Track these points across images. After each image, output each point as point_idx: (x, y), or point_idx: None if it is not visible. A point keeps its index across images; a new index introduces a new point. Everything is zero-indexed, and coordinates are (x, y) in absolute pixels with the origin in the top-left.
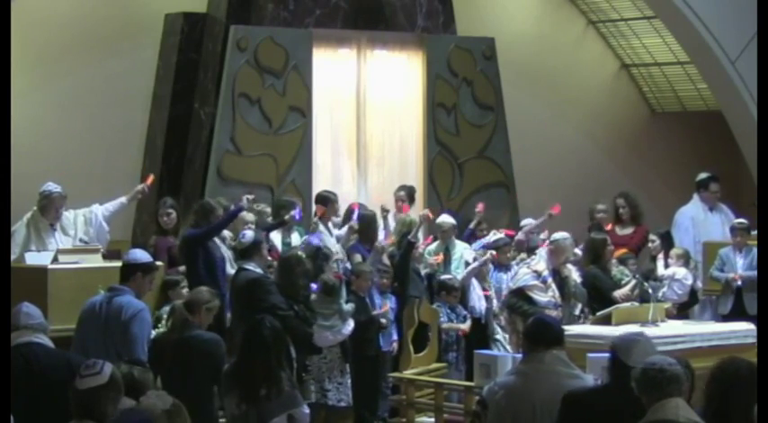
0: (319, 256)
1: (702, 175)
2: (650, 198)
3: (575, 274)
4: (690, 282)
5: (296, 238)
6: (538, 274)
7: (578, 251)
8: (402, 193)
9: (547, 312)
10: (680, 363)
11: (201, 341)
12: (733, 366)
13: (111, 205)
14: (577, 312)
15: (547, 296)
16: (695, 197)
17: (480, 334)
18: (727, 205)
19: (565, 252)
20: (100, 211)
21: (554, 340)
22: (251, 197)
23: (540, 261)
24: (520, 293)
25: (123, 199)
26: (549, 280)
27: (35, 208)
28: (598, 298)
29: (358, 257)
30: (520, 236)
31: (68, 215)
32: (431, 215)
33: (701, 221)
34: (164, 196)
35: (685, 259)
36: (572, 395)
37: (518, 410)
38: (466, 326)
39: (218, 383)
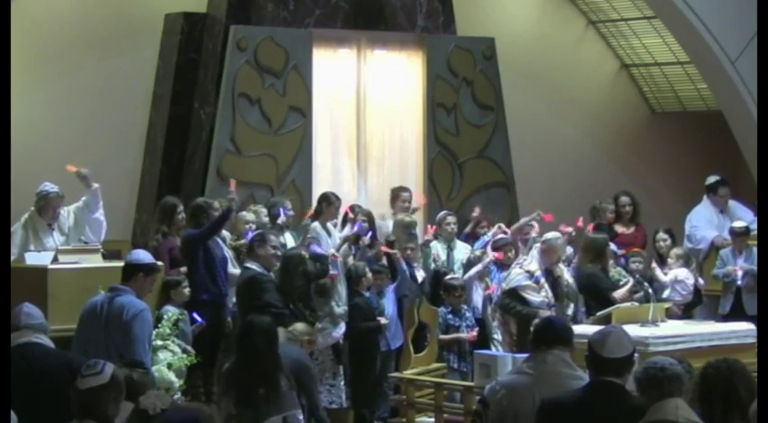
0: (321, 260)
1: (711, 179)
2: (650, 198)
3: (567, 274)
4: (692, 281)
5: (289, 239)
6: (530, 275)
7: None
8: (407, 193)
9: (540, 312)
10: (682, 363)
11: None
12: (712, 371)
13: (87, 198)
14: (570, 312)
15: (540, 296)
16: (705, 200)
17: (480, 334)
18: (738, 201)
19: (557, 252)
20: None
21: (557, 340)
22: (232, 196)
23: (532, 261)
24: (513, 294)
25: (91, 187)
26: (542, 280)
27: (32, 208)
28: (597, 298)
29: (351, 258)
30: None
31: (63, 213)
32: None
33: (713, 225)
34: (164, 196)
35: (686, 259)
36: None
37: (519, 410)
38: (467, 334)
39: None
